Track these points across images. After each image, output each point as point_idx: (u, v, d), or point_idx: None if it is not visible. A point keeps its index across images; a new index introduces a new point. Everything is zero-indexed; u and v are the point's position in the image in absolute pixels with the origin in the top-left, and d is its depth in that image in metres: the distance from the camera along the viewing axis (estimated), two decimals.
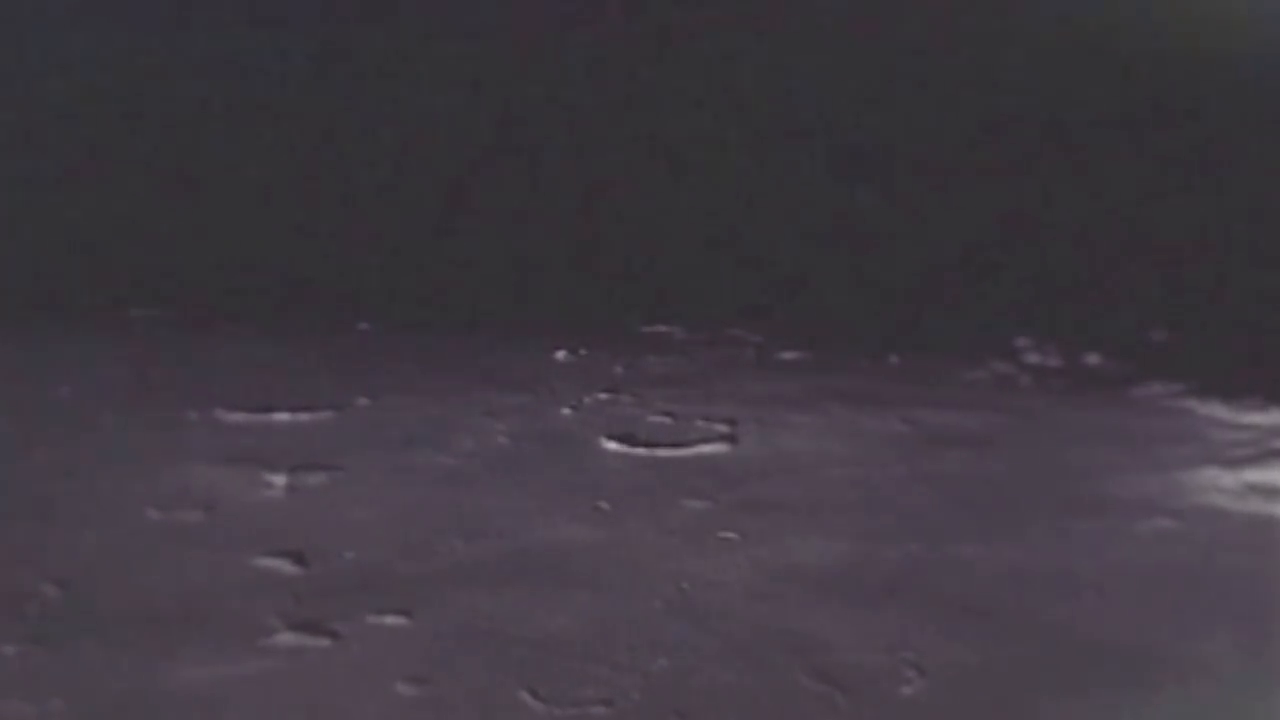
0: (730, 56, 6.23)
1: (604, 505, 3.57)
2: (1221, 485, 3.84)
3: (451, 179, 6.48)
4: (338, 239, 6.45)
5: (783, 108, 6.13)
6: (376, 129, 6.50)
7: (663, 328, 5.42)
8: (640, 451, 3.94)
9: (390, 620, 2.99)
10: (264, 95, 6.57)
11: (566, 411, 4.28)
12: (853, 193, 5.99)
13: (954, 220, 6.34)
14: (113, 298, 5.88)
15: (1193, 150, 6.06)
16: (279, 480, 3.72)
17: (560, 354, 4.92)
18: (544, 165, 6.38)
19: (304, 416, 4.21)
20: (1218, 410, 4.52)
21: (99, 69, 6.62)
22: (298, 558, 3.27)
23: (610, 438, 4.03)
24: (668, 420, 4.22)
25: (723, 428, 4.15)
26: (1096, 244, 6.32)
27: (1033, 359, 5.15)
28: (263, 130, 6.60)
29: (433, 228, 6.48)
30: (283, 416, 4.20)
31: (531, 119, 6.33)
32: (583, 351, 4.98)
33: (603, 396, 4.43)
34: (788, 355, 5.04)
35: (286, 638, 2.92)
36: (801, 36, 5.96)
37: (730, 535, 3.40)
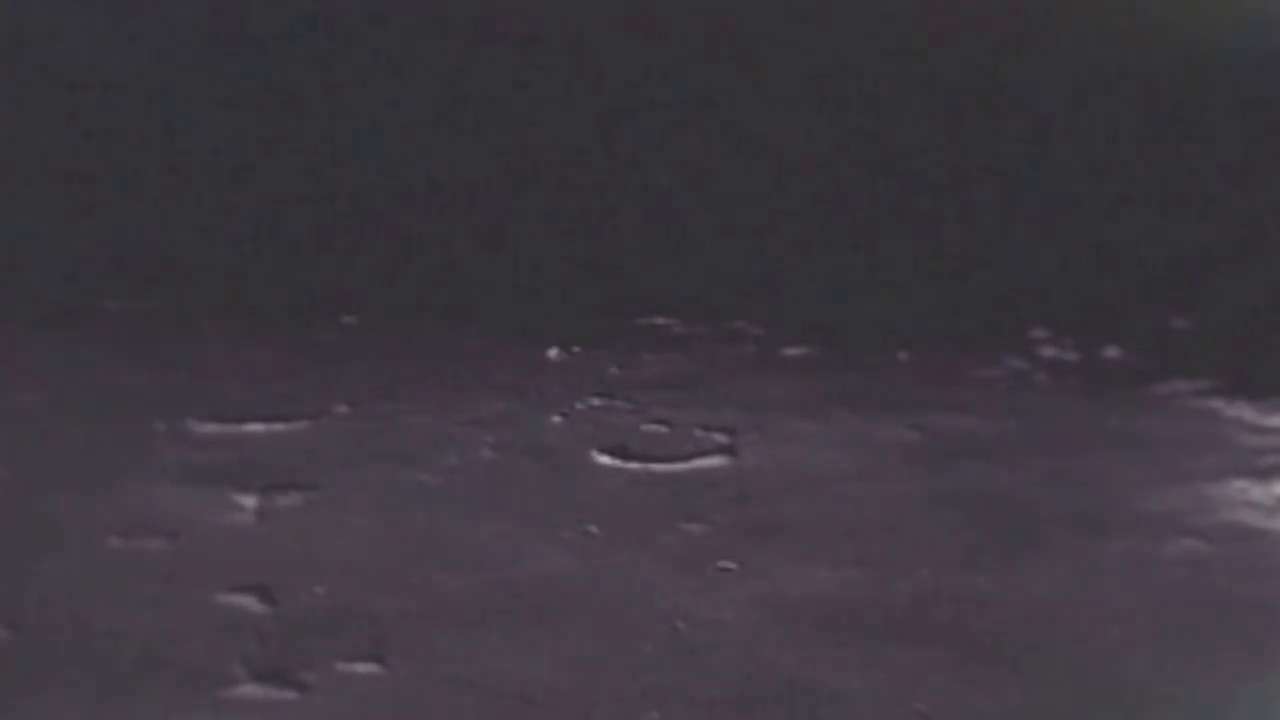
0: (733, 38, 5.97)
1: (594, 529, 3.34)
2: (1252, 499, 3.62)
3: (441, 167, 6.23)
4: (322, 228, 6.22)
5: (784, 88, 5.87)
6: (364, 119, 6.25)
7: (660, 320, 5.19)
8: (634, 466, 3.72)
9: (362, 668, 2.78)
10: (249, 80, 6.32)
11: (557, 419, 4.06)
12: (857, 178, 5.74)
13: (965, 205, 6.09)
14: (86, 289, 5.65)
15: (1215, 133, 5.81)
16: (249, 502, 3.50)
17: (553, 352, 4.69)
18: (538, 151, 6.13)
19: (279, 426, 3.99)
20: (1245, 411, 4.29)
21: (72, 51, 6.37)
22: (265, 594, 3.06)
23: (602, 450, 3.80)
24: (664, 429, 3.99)
25: (722, 438, 3.92)
26: (1113, 227, 6.07)
27: (1049, 352, 4.92)
28: (247, 117, 6.35)
29: (423, 217, 6.24)
30: (257, 427, 3.98)
31: (523, 104, 6.08)
32: (576, 349, 4.75)
33: (595, 402, 4.20)
34: (791, 351, 4.81)
35: (249, 690, 2.70)
36: (805, 26, 5.71)
37: (729, 565, 3.18)
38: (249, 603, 3.03)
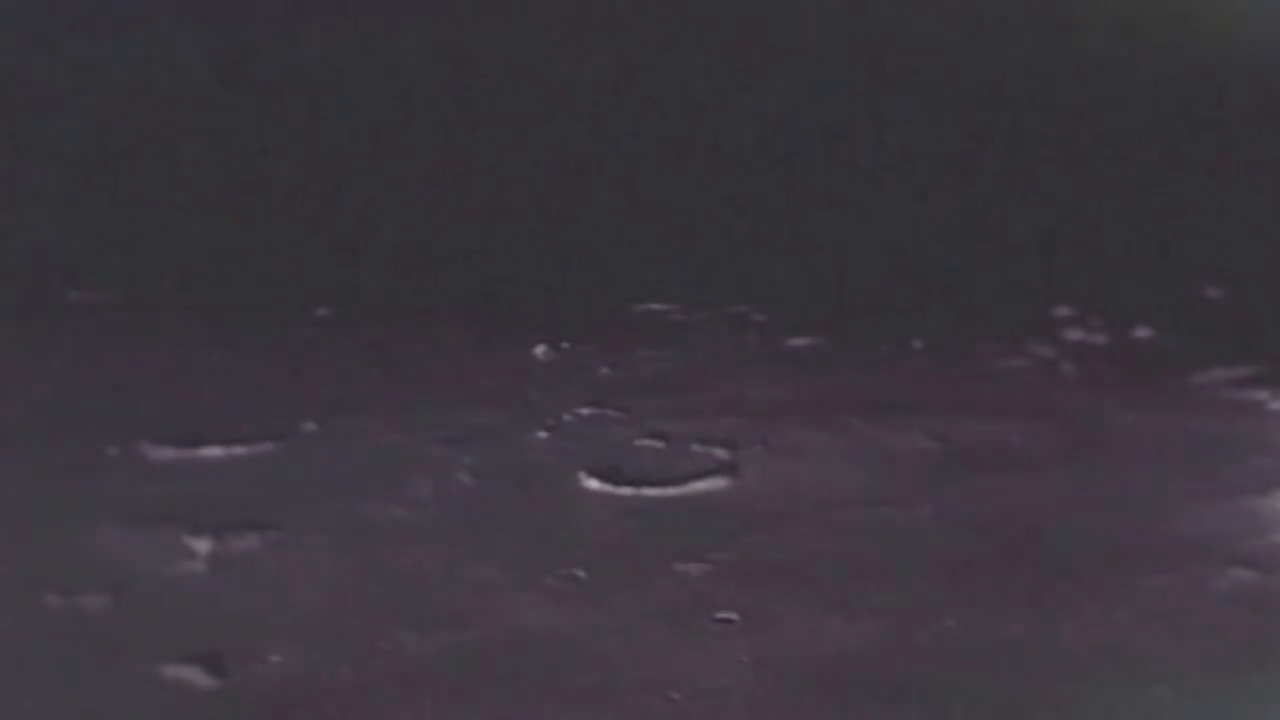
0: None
1: (580, 574, 3.03)
2: None
3: (427, 153, 5.87)
4: (304, 218, 5.87)
5: (789, 64, 5.49)
6: (351, 110, 5.89)
7: (657, 306, 4.85)
8: (625, 492, 3.39)
9: None
10: (237, 70, 5.96)
11: (542, 435, 3.73)
12: (864, 156, 5.37)
13: (979, 181, 5.72)
14: (52, 281, 5.33)
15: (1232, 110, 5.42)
16: (202, 547, 3.19)
17: (540, 349, 4.36)
18: (529, 136, 5.77)
19: (240, 451, 3.67)
20: None
21: (53, 46, 6.01)
22: (213, 663, 2.75)
23: (591, 473, 3.47)
24: (659, 444, 3.67)
25: (721, 453, 3.59)
26: (1134, 198, 5.70)
27: (1074, 335, 4.57)
28: (234, 105, 5.99)
29: (411, 204, 5.89)
30: (215, 452, 3.66)
31: (514, 88, 5.71)
32: (565, 345, 4.42)
33: (585, 411, 3.87)
34: (797, 341, 4.47)
35: None
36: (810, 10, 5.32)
37: (729, 615, 2.86)
38: (194, 675, 2.72)
